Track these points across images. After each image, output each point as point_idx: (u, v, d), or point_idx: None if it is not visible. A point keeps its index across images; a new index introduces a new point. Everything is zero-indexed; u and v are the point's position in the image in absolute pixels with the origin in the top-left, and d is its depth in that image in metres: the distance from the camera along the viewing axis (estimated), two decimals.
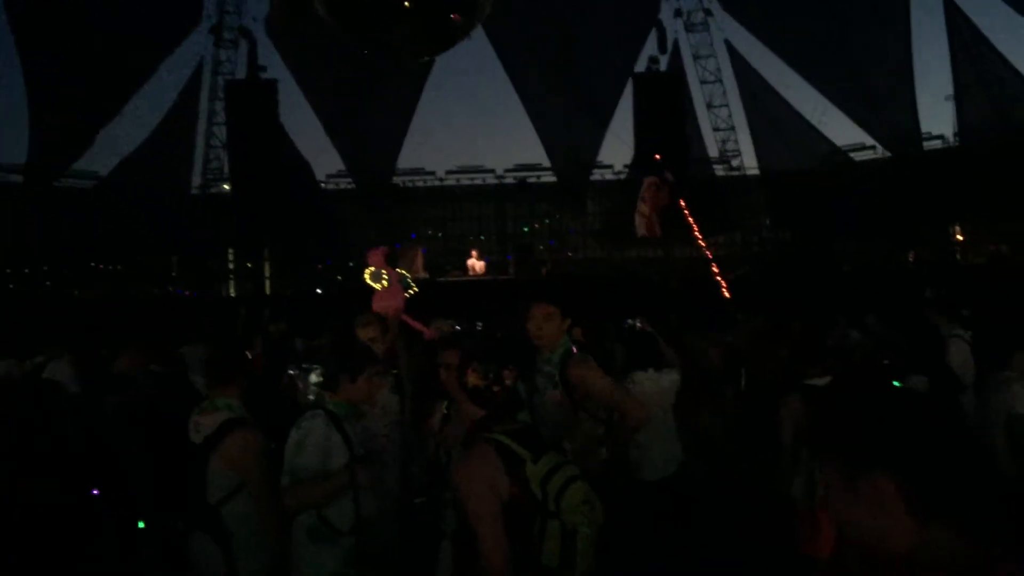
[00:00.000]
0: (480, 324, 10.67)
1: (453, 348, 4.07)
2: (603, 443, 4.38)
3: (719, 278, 18.01)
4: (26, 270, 24.38)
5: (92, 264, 25.26)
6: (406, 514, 4.37)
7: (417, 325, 6.36)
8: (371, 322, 5.30)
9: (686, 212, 19.05)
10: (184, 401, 4.26)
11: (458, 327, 7.66)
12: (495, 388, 2.93)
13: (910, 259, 22.81)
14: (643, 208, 19.31)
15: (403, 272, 8.04)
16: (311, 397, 5.08)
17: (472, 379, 2.95)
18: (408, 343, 5.92)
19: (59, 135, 22.04)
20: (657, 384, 5.45)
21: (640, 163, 23.67)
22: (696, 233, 19.09)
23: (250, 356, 4.47)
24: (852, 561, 1.58)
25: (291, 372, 5.62)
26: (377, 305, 6.60)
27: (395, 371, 5.05)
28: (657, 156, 20.92)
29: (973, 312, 7.62)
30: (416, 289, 7.79)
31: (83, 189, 24.01)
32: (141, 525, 3.80)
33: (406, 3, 12.83)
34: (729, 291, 17.35)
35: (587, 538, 2.74)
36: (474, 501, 2.69)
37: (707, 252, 19.27)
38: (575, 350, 4.42)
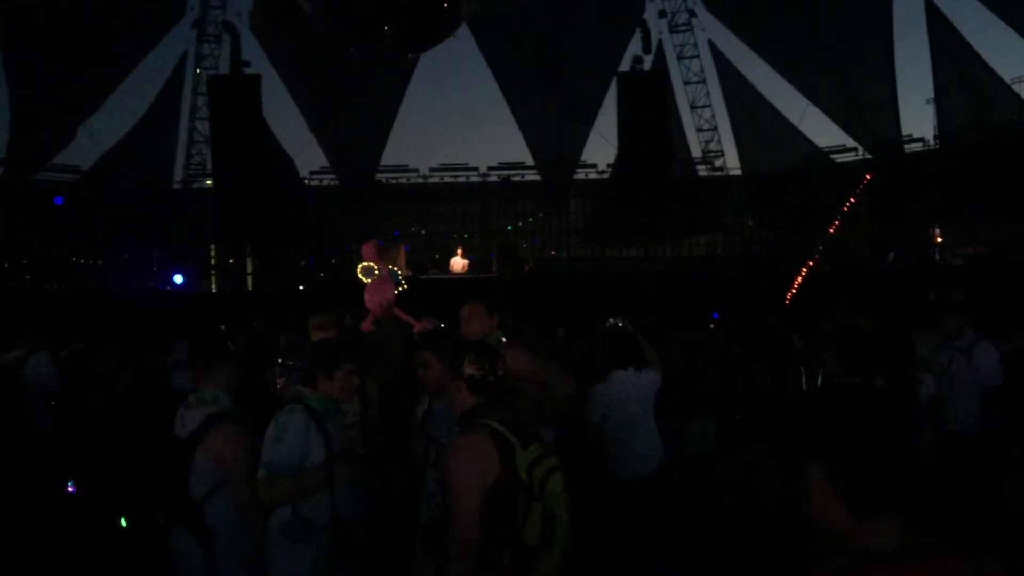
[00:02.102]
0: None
1: (429, 348, 4.14)
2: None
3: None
4: (5, 264, 24.18)
5: (72, 259, 25.08)
6: (379, 510, 4.39)
7: (408, 318, 6.38)
8: (326, 324, 5.24)
9: None
10: (165, 397, 4.24)
11: (443, 325, 7.68)
12: (490, 378, 3.13)
13: (889, 260, 22.93)
14: None
15: (395, 268, 8.07)
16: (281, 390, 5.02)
17: (470, 369, 3.14)
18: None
19: (40, 129, 21.90)
20: (636, 383, 5.49)
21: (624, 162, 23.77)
22: None
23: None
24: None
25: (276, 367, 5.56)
26: (369, 299, 6.63)
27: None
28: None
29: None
30: (406, 285, 7.83)
31: (64, 183, 23.84)
32: (124, 523, 3.78)
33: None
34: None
35: (565, 524, 2.94)
36: (459, 481, 2.88)
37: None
38: (504, 340, 4.58)
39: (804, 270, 18.21)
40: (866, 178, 19.20)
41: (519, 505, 2.85)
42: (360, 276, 7.73)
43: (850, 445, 1.61)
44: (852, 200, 19.79)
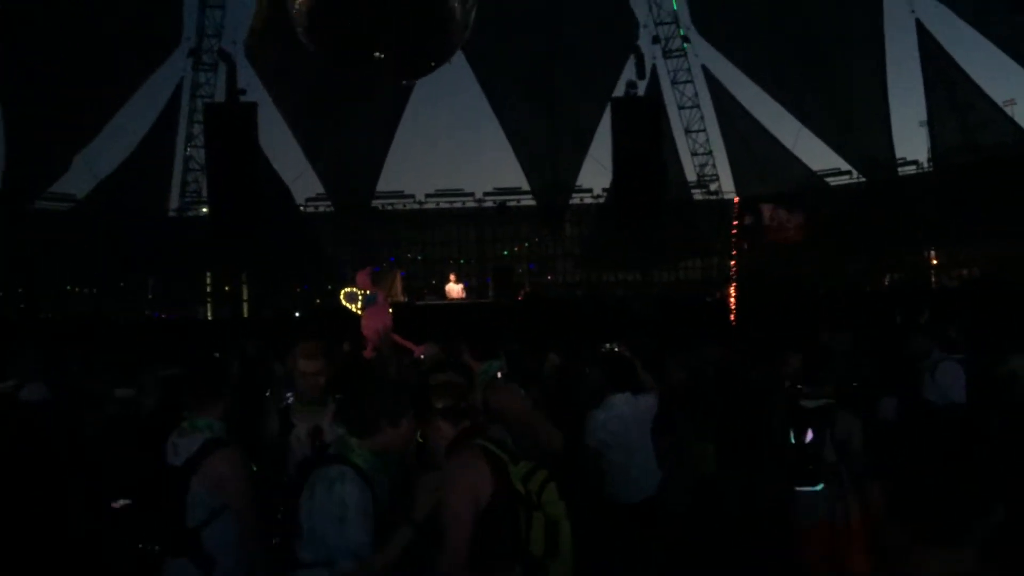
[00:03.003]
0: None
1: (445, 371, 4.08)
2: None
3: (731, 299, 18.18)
4: (0, 292, 24.14)
5: (67, 287, 25.04)
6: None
7: (407, 344, 6.37)
8: (316, 353, 4.76)
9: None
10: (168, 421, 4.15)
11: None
12: (463, 404, 3.18)
13: (885, 282, 23.01)
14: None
15: (373, 292, 8.06)
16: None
17: (440, 402, 3.16)
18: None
19: (36, 157, 21.93)
20: (634, 407, 5.48)
21: (620, 188, 23.82)
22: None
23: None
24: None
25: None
26: (366, 326, 6.59)
27: (338, 396, 4.56)
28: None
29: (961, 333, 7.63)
30: (391, 310, 7.80)
31: (59, 211, 23.86)
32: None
33: (385, 26, 12.91)
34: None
35: (568, 530, 2.94)
36: (453, 503, 2.88)
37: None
38: (499, 375, 4.55)
39: (732, 290, 18.46)
40: (734, 201, 19.62)
41: (520, 517, 2.86)
42: (343, 302, 7.73)
43: (910, 469, 1.56)
44: (736, 224, 20.39)
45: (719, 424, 6.76)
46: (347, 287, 7.56)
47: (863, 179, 24.38)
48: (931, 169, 23.58)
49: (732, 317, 16.67)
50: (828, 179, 25.34)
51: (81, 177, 23.39)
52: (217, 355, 9.15)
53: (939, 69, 22.05)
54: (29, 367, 7.06)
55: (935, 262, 24.93)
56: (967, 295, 17.87)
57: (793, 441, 4.50)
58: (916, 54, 22.42)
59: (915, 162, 24.26)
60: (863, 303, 17.95)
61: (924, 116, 23.20)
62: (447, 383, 3.19)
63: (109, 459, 5.03)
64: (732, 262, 21.63)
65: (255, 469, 3.67)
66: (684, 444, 6.69)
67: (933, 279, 24.44)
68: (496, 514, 2.84)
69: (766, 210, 21.54)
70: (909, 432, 1.66)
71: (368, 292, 7.69)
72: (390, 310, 7.87)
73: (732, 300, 17.96)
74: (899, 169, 23.93)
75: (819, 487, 4.39)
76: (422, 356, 6.20)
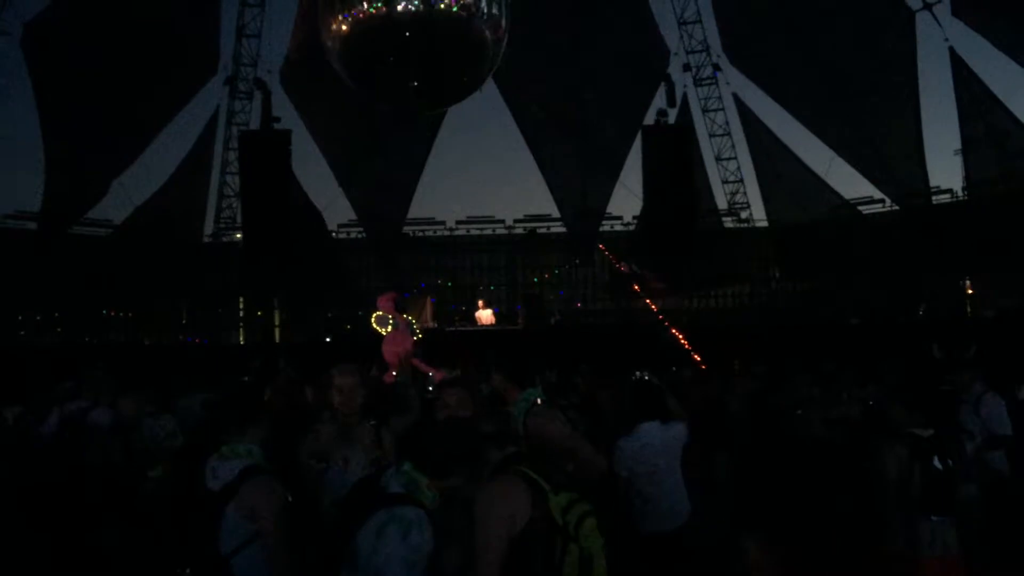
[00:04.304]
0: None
1: (453, 387, 4.12)
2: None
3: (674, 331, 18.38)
4: (38, 317, 24.47)
5: (104, 311, 25.35)
6: None
7: (426, 368, 6.40)
8: (352, 372, 4.82)
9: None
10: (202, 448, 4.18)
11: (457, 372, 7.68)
12: (508, 430, 3.26)
13: (920, 312, 22.72)
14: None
15: (410, 319, 8.12)
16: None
17: (489, 427, 3.23)
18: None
19: (74, 183, 22.30)
20: (663, 436, 5.44)
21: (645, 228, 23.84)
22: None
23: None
24: None
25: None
26: (387, 351, 6.63)
27: (373, 422, 4.65)
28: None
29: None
30: (421, 335, 7.84)
31: (97, 237, 24.23)
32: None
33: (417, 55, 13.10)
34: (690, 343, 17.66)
35: (603, 567, 2.94)
36: (486, 529, 2.89)
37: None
38: (539, 401, 4.54)
39: (674, 331, 18.60)
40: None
41: (555, 546, 2.86)
42: (374, 326, 7.79)
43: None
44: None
45: (749, 455, 6.71)
46: (378, 311, 7.60)
47: (896, 207, 24.19)
48: (966, 198, 23.35)
49: (697, 358, 16.63)
50: (861, 207, 25.18)
51: (118, 203, 23.77)
52: (245, 379, 9.22)
53: (973, 97, 21.89)
54: (99, 390, 6.99)
55: (970, 292, 24.60)
56: (1004, 325, 17.57)
57: (919, 471, 4.44)
58: (950, 81, 22.31)
59: (949, 191, 24.03)
60: (898, 334, 17.71)
61: (958, 144, 23.02)
62: (491, 413, 3.23)
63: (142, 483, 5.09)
64: (648, 301, 22.12)
65: (290, 499, 3.66)
66: (716, 475, 6.64)
67: (969, 309, 24.11)
68: (529, 542, 2.84)
69: (623, 267, 22.21)
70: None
71: (392, 317, 7.73)
72: (418, 335, 7.91)
73: (681, 339, 18.04)
74: (933, 198, 23.74)
75: (951, 517, 4.36)
76: (429, 378, 6.26)
